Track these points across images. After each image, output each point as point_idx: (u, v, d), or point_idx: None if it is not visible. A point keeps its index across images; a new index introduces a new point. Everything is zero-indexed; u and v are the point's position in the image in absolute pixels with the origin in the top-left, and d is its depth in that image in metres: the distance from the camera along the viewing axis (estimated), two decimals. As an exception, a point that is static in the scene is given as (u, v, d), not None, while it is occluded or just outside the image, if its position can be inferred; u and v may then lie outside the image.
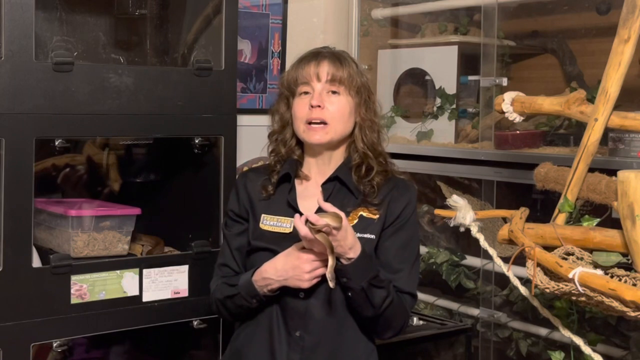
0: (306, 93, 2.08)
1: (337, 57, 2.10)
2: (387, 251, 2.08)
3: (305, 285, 1.99)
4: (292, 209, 2.07)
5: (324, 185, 2.10)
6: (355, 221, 2.06)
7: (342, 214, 1.90)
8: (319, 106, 2.04)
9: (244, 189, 2.16)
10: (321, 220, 1.87)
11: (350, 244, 1.92)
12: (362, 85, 2.10)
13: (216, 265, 2.21)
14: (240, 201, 2.16)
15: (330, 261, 1.91)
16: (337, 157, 2.13)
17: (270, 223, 2.09)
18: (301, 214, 1.94)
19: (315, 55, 2.10)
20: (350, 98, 2.08)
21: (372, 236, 2.06)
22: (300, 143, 2.14)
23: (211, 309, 2.21)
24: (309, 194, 2.11)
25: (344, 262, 1.94)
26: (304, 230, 1.88)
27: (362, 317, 2.04)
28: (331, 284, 1.91)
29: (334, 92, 2.07)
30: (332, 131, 2.06)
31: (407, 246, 2.10)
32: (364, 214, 2.07)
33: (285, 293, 2.03)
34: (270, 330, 2.06)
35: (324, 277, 1.97)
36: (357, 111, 2.10)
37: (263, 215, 2.10)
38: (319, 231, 1.88)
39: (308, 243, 1.94)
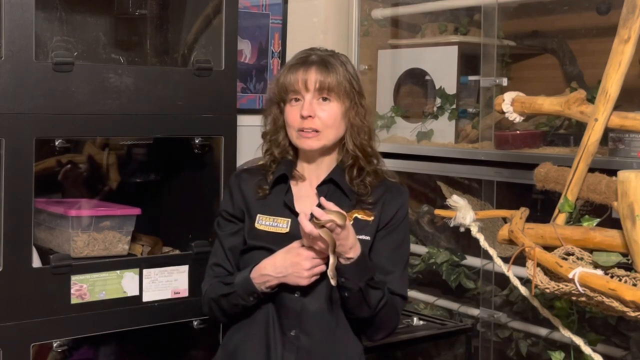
0: (297, 100, 2.07)
1: (325, 62, 2.07)
2: (379, 253, 2.09)
3: (304, 282, 1.99)
4: (289, 210, 2.08)
5: (319, 187, 2.10)
6: (351, 222, 2.05)
7: (345, 214, 1.91)
8: (310, 116, 2.04)
9: (238, 190, 2.15)
10: (326, 216, 1.87)
11: (351, 244, 1.93)
12: (351, 89, 2.09)
13: (208, 266, 2.19)
14: (234, 201, 2.15)
15: (332, 259, 1.91)
16: (329, 159, 2.13)
17: (266, 223, 2.09)
18: (296, 214, 1.97)
19: (304, 62, 2.07)
20: (341, 103, 2.07)
21: (368, 237, 2.07)
22: (293, 144, 2.14)
23: (203, 310, 2.19)
24: (303, 194, 2.11)
25: (343, 261, 1.94)
26: (308, 227, 1.88)
27: (357, 317, 2.05)
28: (333, 282, 1.92)
29: (324, 99, 2.06)
30: (324, 138, 2.06)
31: (399, 249, 2.12)
32: (359, 216, 2.08)
33: (281, 292, 2.04)
34: (266, 330, 2.06)
35: (321, 275, 1.99)
36: (347, 114, 2.09)
37: (259, 215, 2.10)
38: (322, 227, 1.89)
39: (310, 241, 1.94)
